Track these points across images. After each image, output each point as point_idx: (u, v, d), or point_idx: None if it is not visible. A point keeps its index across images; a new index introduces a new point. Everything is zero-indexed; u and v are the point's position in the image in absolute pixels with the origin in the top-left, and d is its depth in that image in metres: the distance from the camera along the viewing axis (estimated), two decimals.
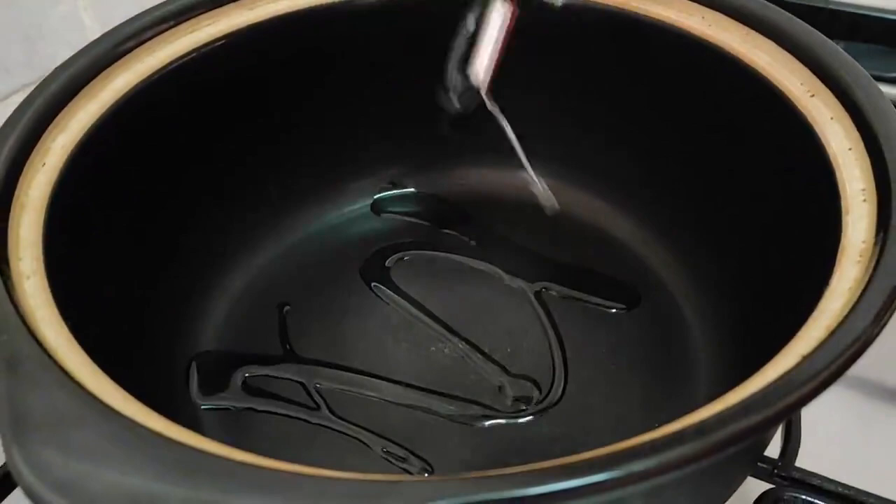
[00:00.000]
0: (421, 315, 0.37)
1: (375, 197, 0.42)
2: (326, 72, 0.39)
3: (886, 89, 0.59)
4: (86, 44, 0.49)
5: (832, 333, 0.21)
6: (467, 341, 0.36)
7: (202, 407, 0.33)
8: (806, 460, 0.32)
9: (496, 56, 0.29)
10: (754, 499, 0.31)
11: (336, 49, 0.38)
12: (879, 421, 0.38)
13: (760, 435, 0.19)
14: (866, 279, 0.23)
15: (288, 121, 0.39)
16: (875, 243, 0.24)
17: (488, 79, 0.30)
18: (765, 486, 0.31)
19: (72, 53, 0.48)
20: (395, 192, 0.42)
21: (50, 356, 0.21)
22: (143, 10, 0.37)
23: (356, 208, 0.42)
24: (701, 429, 0.19)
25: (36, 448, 0.19)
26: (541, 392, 0.34)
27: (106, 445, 0.19)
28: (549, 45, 0.38)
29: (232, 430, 0.33)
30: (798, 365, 0.20)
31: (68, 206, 0.28)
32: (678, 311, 0.36)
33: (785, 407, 0.19)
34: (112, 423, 0.19)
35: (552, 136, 0.39)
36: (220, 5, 0.36)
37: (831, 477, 0.31)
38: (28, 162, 0.28)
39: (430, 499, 0.17)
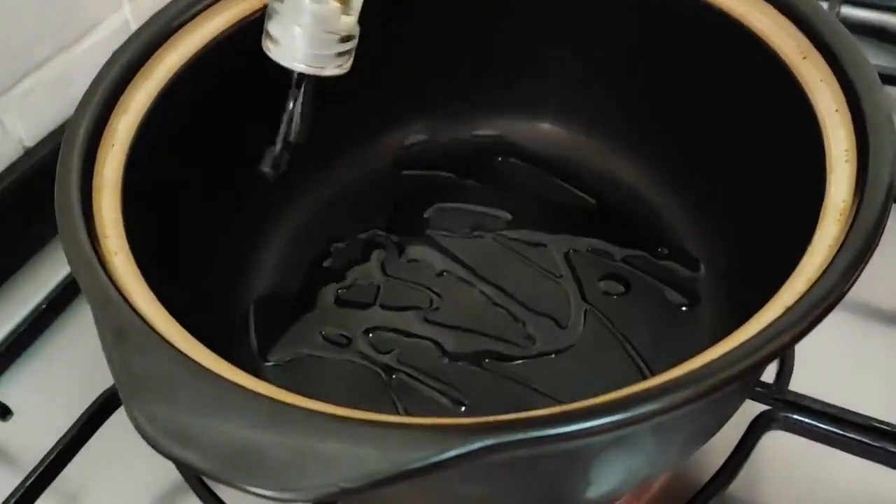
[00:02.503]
0: (450, 261, 0.41)
1: (401, 150, 0.46)
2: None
3: None
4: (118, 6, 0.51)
5: (811, 287, 0.25)
6: (493, 284, 0.40)
7: (266, 364, 0.37)
8: (799, 383, 0.36)
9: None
10: (752, 419, 0.35)
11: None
12: (869, 341, 0.41)
13: (747, 379, 0.23)
14: (843, 238, 0.26)
15: None
16: (853, 204, 0.27)
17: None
18: (762, 407, 0.35)
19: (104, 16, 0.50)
20: (419, 146, 0.46)
21: (148, 325, 0.25)
22: None
23: (385, 161, 0.45)
24: (699, 375, 0.23)
25: (151, 406, 0.23)
26: (561, 329, 0.38)
27: (207, 402, 0.23)
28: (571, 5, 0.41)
29: (287, 373, 0.37)
30: (782, 316, 0.24)
31: (139, 184, 0.32)
32: (687, 256, 0.39)
33: (767, 355, 0.23)
34: (209, 383, 0.24)
35: (567, 88, 0.43)
36: None
37: (821, 397, 0.35)
38: (100, 145, 0.32)
39: (475, 440, 0.21)
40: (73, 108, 0.50)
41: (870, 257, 0.25)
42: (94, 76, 0.49)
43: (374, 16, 0.36)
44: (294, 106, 0.36)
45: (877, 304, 0.42)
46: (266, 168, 0.37)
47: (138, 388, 0.23)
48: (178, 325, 0.26)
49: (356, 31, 0.35)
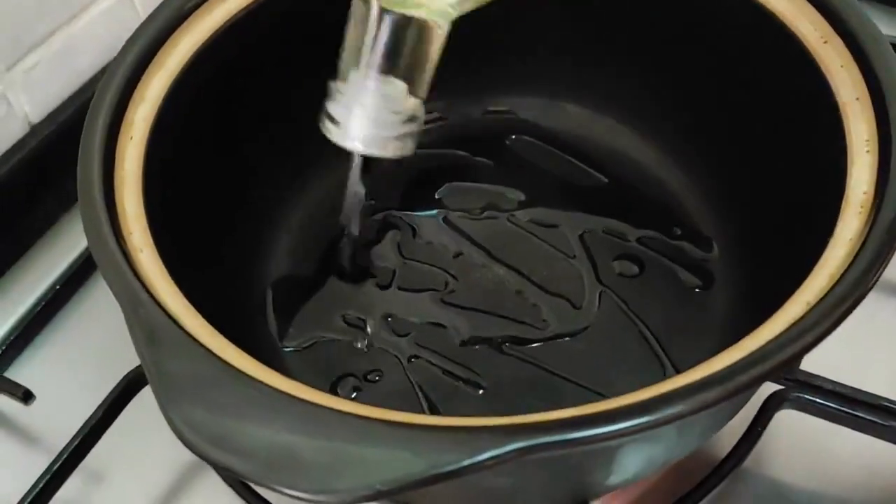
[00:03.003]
0: (464, 242, 0.41)
1: None
2: None
3: None
4: None
5: (834, 285, 0.25)
6: (508, 266, 0.40)
7: (286, 349, 0.38)
8: (811, 362, 0.36)
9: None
10: (764, 399, 0.36)
11: None
12: (881, 320, 0.40)
13: (771, 378, 0.23)
14: (865, 232, 0.26)
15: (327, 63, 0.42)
16: (875, 196, 0.27)
17: None
18: (774, 387, 0.36)
19: None
20: (430, 124, 0.45)
21: (178, 325, 0.26)
22: None
23: None
24: (725, 375, 0.23)
25: (187, 410, 0.23)
26: (576, 310, 0.38)
27: (241, 404, 0.23)
28: None
29: (306, 357, 0.37)
30: (805, 315, 0.24)
31: (159, 175, 0.32)
32: (700, 237, 0.39)
33: (793, 355, 0.23)
34: (242, 384, 0.24)
35: (581, 65, 0.43)
36: None
37: (832, 377, 0.35)
38: (119, 136, 0.32)
39: (509, 442, 0.22)
40: (78, 83, 0.50)
41: (893, 253, 0.25)
42: (97, 50, 0.49)
43: None
44: (361, 193, 0.36)
45: (889, 282, 0.42)
46: (345, 264, 0.38)
47: (174, 392, 0.24)
48: (206, 322, 0.26)
49: (421, 112, 0.34)
